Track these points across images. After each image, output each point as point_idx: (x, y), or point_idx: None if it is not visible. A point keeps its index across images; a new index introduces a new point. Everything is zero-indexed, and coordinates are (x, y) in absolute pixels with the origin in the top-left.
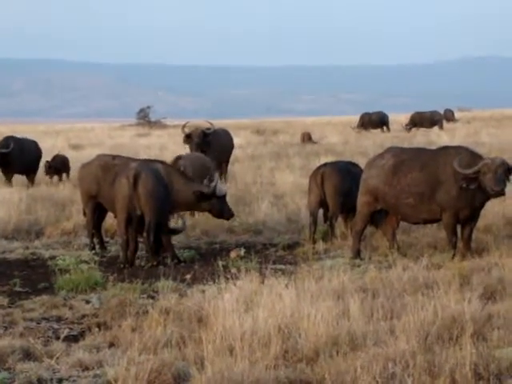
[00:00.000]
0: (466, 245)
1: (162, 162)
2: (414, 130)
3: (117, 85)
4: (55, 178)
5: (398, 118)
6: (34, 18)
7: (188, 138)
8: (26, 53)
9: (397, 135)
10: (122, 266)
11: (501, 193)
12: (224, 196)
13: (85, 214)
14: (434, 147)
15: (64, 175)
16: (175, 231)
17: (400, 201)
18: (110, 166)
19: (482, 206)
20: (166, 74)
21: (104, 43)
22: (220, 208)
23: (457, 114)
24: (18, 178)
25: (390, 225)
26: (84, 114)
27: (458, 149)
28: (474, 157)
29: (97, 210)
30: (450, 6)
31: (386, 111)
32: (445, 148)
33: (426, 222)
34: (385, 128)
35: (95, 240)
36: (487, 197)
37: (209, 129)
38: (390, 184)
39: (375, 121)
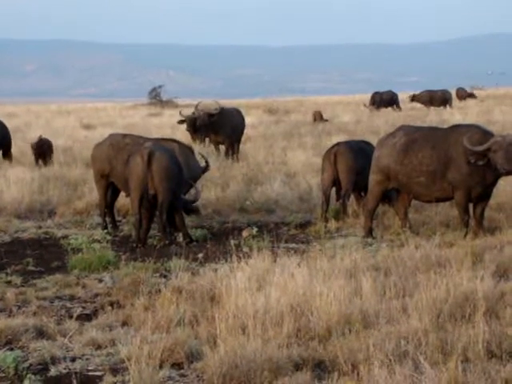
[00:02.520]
0: (479, 223)
1: (177, 141)
2: (425, 108)
3: (128, 65)
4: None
5: None
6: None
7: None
8: (35, 34)
9: (409, 114)
10: (134, 245)
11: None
12: None
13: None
14: (446, 126)
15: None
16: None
17: (412, 179)
18: (122, 145)
19: (493, 184)
20: (177, 53)
21: (114, 23)
22: None
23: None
24: (30, 158)
25: (402, 203)
26: (95, 94)
27: (469, 127)
28: (485, 135)
29: (109, 190)
30: None
31: (398, 90)
32: (456, 126)
33: (438, 200)
34: (395, 107)
35: (107, 219)
36: (498, 175)
37: (216, 109)
38: (401, 163)
39: (386, 100)
